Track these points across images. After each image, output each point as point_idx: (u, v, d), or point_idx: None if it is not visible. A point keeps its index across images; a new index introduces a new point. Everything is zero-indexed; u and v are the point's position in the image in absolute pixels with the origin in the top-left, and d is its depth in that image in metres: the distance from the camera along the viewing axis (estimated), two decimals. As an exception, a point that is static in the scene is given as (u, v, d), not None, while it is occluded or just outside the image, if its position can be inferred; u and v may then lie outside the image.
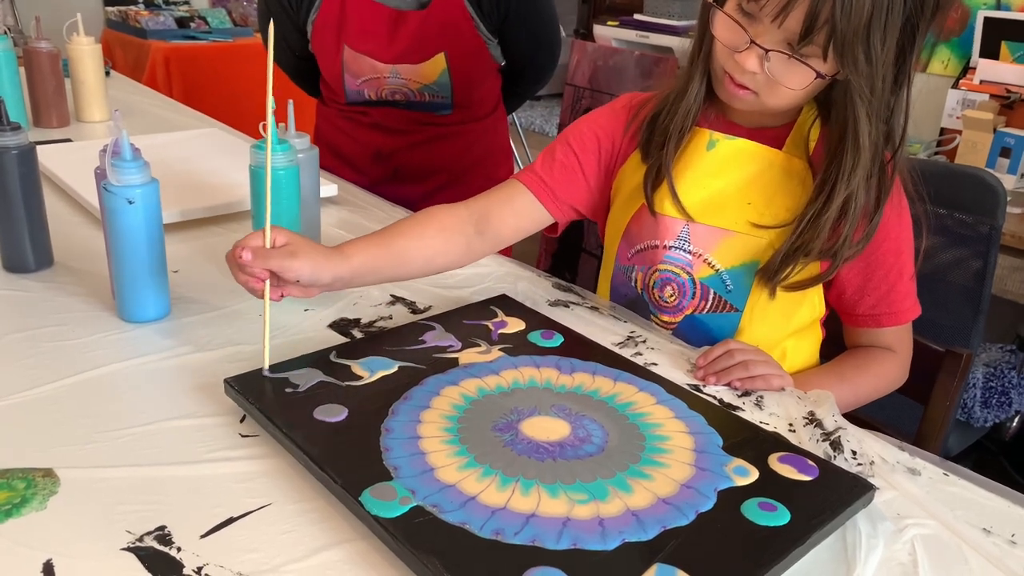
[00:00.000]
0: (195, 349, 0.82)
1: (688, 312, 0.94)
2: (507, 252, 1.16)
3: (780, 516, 0.59)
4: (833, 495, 0.62)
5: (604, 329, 0.92)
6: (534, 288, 1.02)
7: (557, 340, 0.85)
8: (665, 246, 0.93)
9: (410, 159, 1.50)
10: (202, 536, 0.57)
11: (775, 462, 0.66)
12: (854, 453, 0.71)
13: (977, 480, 0.69)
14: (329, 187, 1.26)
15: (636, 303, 0.98)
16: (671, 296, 0.94)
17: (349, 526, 0.59)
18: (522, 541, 0.55)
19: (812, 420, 0.76)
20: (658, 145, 0.92)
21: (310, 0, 1.36)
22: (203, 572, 0.54)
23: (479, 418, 0.70)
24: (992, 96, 2.11)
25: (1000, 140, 1.96)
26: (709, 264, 0.91)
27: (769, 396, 0.81)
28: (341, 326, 0.88)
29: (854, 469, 0.68)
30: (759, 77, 0.81)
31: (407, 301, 0.95)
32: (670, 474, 0.64)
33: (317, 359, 0.77)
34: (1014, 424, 1.80)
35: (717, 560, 0.55)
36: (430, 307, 0.94)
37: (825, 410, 0.77)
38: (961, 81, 2.23)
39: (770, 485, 0.63)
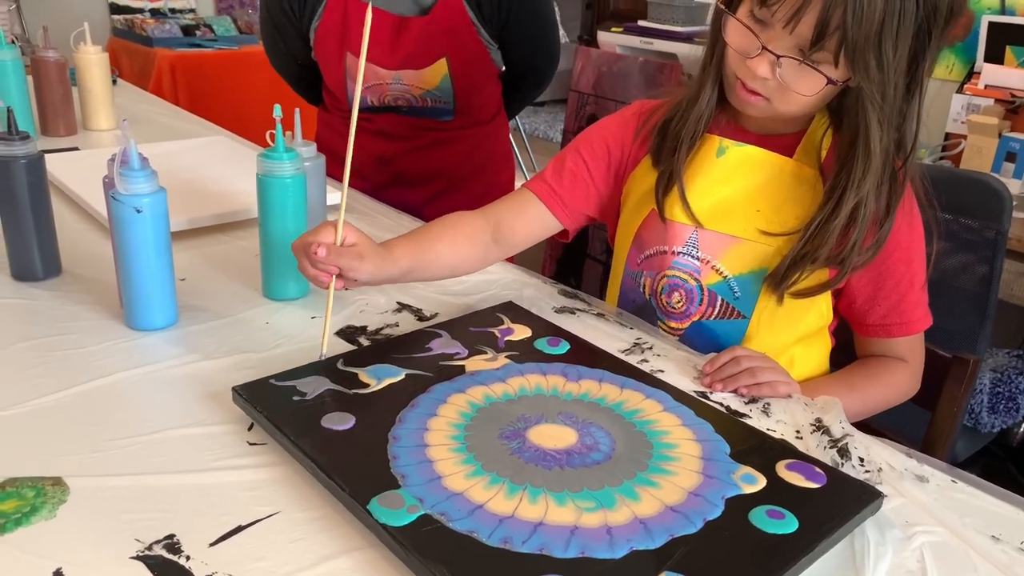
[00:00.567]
0: (202, 357, 0.82)
1: (695, 318, 0.94)
2: (511, 259, 1.16)
3: (788, 524, 0.59)
4: (841, 502, 0.62)
5: (610, 336, 0.92)
6: (540, 295, 1.02)
7: (563, 347, 0.85)
8: (674, 252, 0.93)
9: (412, 164, 1.50)
10: (211, 544, 0.57)
11: (783, 469, 0.66)
12: (862, 460, 0.71)
13: (985, 487, 0.69)
14: (336, 195, 1.26)
15: (644, 309, 0.98)
16: (679, 302, 0.94)
17: (357, 534, 0.59)
18: (530, 549, 0.55)
19: (819, 427, 0.76)
20: (669, 151, 0.93)
21: (313, 8, 1.36)
22: (212, 581, 0.54)
23: (486, 426, 0.70)
24: (997, 101, 2.11)
25: (1005, 145, 1.96)
26: (717, 271, 0.91)
27: (776, 403, 0.81)
28: (348, 333, 0.89)
29: (862, 476, 0.68)
30: (771, 83, 0.82)
31: (413, 308, 0.95)
32: (677, 482, 0.64)
33: (324, 367, 0.77)
34: (1022, 429, 1.79)
35: (725, 568, 0.55)
36: (436, 314, 0.94)
37: (832, 417, 0.77)
38: (966, 86, 2.22)
39: (778, 493, 0.63)
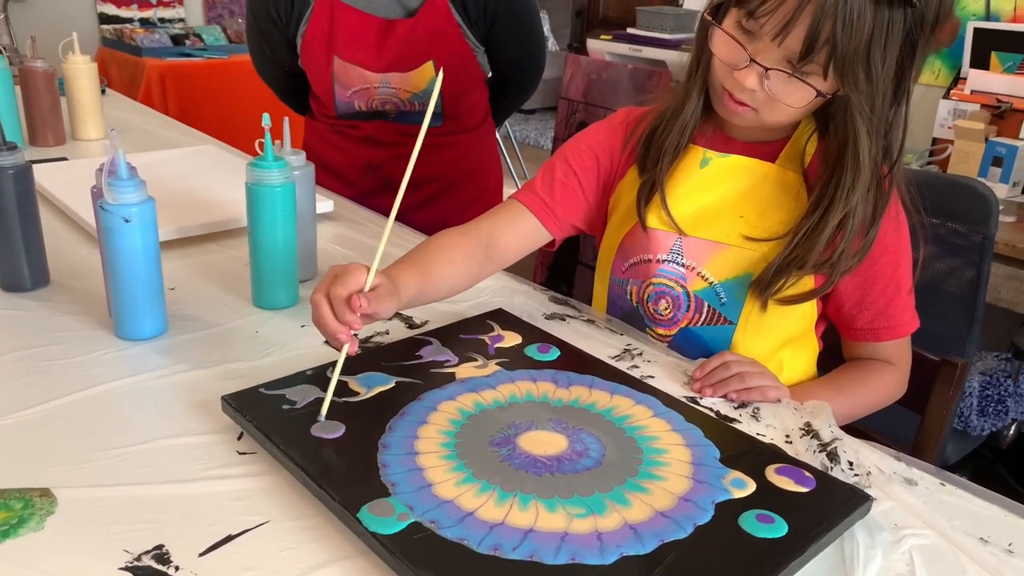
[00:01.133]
0: (192, 367, 0.82)
1: (683, 325, 0.94)
2: (502, 265, 1.16)
3: (778, 528, 0.59)
4: (830, 506, 0.62)
5: (600, 342, 0.92)
6: (530, 302, 1.03)
7: (554, 354, 0.85)
8: (658, 260, 0.93)
9: (400, 169, 1.50)
10: (200, 554, 0.57)
11: (772, 474, 0.66)
12: (851, 464, 0.71)
13: (974, 489, 0.70)
14: (325, 203, 1.27)
15: (632, 316, 0.99)
16: (666, 309, 0.94)
17: (347, 543, 0.59)
18: (520, 556, 0.55)
19: (809, 431, 0.76)
20: (653, 161, 0.93)
21: (300, 14, 1.37)
22: (201, 591, 0.54)
23: (476, 433, 0.70)
24: (983, 106, 2.12)
25: (992, 149, 1.97)
26: (703, 277, 0.91)
27: (765, 408, 0.81)
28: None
29: (851, 480, 0.69)
30: (759, 94, 0.82)
31: (403, 316, 0.95)
32: (668, 487, 0.64)
33: (314, 376, 0.77)
34: (1011, 432, 1.80)
35: (715, 573, 0.55)
36: (427, 322, 0.94)
37: (821, 421, 0.78)
38: (952, 91, 2.24)
39: (767, 497, 0.63)
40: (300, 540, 0.59)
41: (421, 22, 1.35)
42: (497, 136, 1.73)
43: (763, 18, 0.77)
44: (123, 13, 3.42)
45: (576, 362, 0.84)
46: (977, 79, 2.18)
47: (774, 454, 0.70)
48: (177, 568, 0.56)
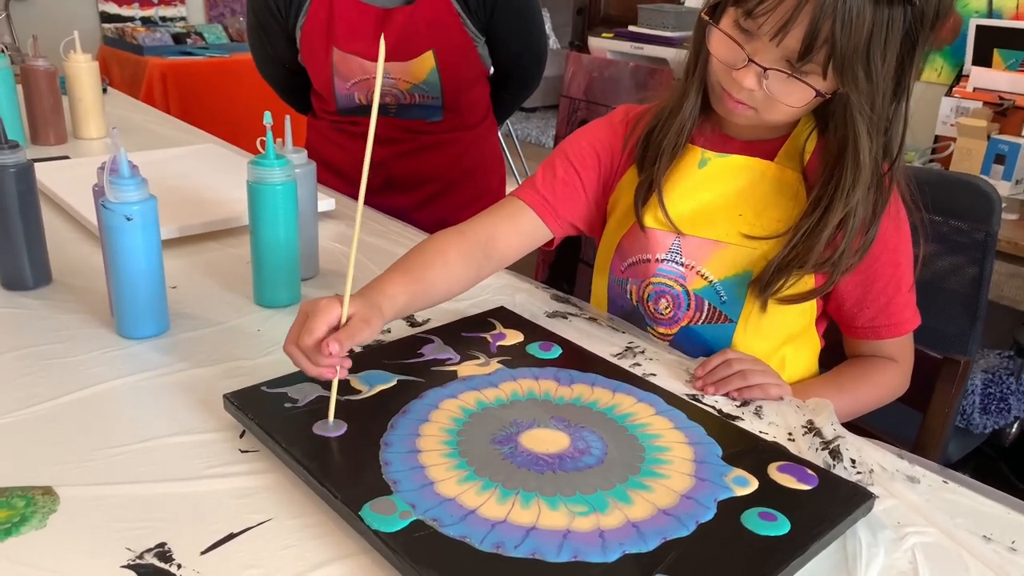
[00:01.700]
0: (194, 365, 0.82)
1: (683, 323, 0.94)
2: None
3: (780, 526, 0.59)
4: (833, 504, 0.62)
5: (602, 340, 0.92)
6: (532, 300, 1.03)
7: (555, 352, 0.85)
8: (657, 259, 0.93)
9: (402, 168, 1.50)
10: (202, 552, 0.57)
11: (775, 472, 0.66)
12: (853, 462, 0.71)
13: (977, 487, 0.69)
14: (327, 201, 1.26)
15: (632, 315, 0.98)
16: (666, 308, 0.94)
17: (349, 541, 0.59)
18: (522, 554, 0.55)
19: (811, 429, 0.76)
20: (651, 161, 0.92)
21: (299, 6, 1.37)
22: (203, 589, 0.54)
23: (478, 431, 0.70)
24: (985, 103, 2.12)
25: (994, 147, 1.97)
26: (702, 276, 0.91)
27: (768, 405, 0.81)
28: (340, 340, 0.88)
29: (853, 478, 0.68)
30: (757, 94, 0.81)
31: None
32: (670, 485, 0.64)
33: (316, 373, 0.77)
34: (1013, 430, 1.80)
35: (718, 571, 0.55)
36: (428, 320, 0.94)
37: (824, 419, 0.77)
38: (954, 89, 2.24)
39: (770, 495, 0.63)
40: (302, 538, 0.59)
41: (420, 11, 1.34)
42: (499, 135, 1.72)
43: (761, 18, 0.76)
44: (124, 12, 3.43)
45: (578, 360, 0.84)
46: (979, 76, 2.18)
47: (776, 452, 0.70)
48: (179, 566, 0.56)
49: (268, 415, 0.70)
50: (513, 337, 0.87)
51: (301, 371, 0.76)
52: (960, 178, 1.19)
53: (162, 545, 0.57)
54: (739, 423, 0.77)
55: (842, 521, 0.61)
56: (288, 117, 1.00)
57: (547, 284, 1.09)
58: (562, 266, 2.42)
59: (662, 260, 0.93)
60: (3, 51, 1.57)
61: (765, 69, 0.79)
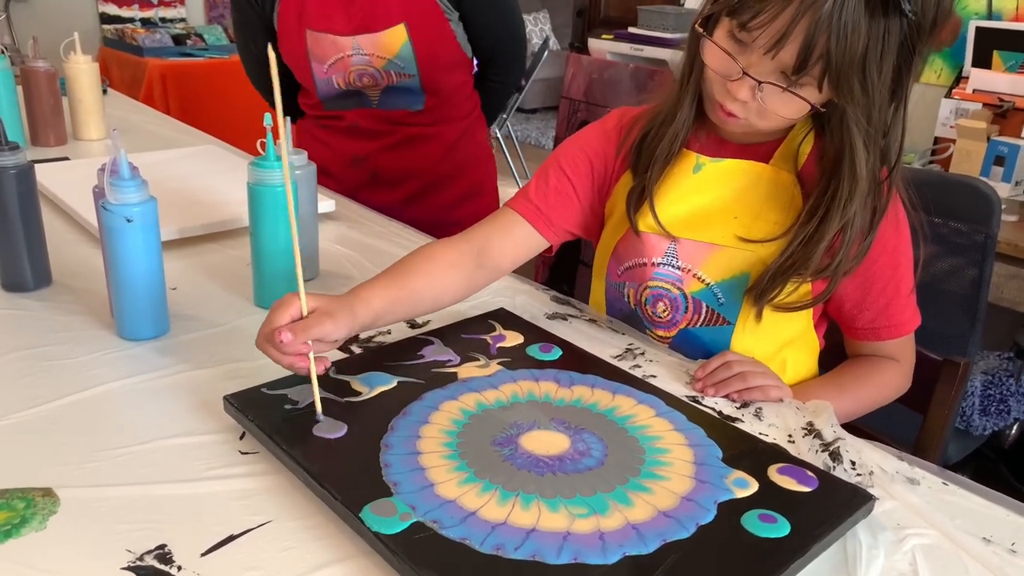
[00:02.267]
0: (194, 366, 0.82)
1: (682, 326, 0.94)
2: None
3: (780, 528, 0.59)
4: (833, 506, 0.62)
5: (602, 342, 0.92)
6: (532, 301, 1.03)
7: (556, 353, 0.85)
8: (653, 263, 0.93)
9: (387, 162, 1.50)
10: (202, 554, 0.57)
11: (775, 473, 0.66)
12: (853, 463, 0.71)
13: (976, 489, 0.69)
14: (327, 203, 1.27)
15: (631, 318, 0.98)
16: (664, 311, 0.94)
17: (350, 543, 0.59)
18: (523, 556, 0.55)
19: (811, 431, 0.76)
20: (644, 167, 0.92)
21: None
22: (204, 591, 0.54)
23: (478, 433, 0.70)
24: (985, 105, 2.12)
25: (994, 149, 1.97)
26: (699, 279, 0.91)
27: (768, 407, 0.81)
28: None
29: (853, 479, 0.68)
30: (751, 105, 0.80)
31: (405, 316, 0.95)
32: (670, 487, 0.64)
33: (316, 375, 0.77)
34: (1013, 431, 1.80)
35: (718, 573, 0.55)
36: (428, 322, 0.94)
37: (824, 420, 0.77)
38: (954, 90, 2.24)
39: (770, 497, 0.63)
40: (302, 540, 0.59)
41: None
42: (491, 132, 1.72)
43: (756, 31, 0.75)
44: (124, 13, 3.43)
45: (578, 362, 0.84)
46: (979, 78, 2.18)
47: (776, 454, 0.70)
48: (179, 568, 0.56)
49: (268, 417, 0.70)
50: (513, 339, 0.88)
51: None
52: (960, 180, 1.20)
53: (162, 547, 0.57)
54: (739, 425, 0.77)
55: (842, 523, 0.61)
56: (288, 119, 1.00)
57: (547, 286, 1.09)
58: (562, 268, 2.42)
59: (658, 264, 0.92)
60: (3, 52, 1.57)
61: (760, 83, 0.78)
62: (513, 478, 0.64)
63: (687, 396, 0.81)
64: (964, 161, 2.02)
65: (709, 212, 0.90)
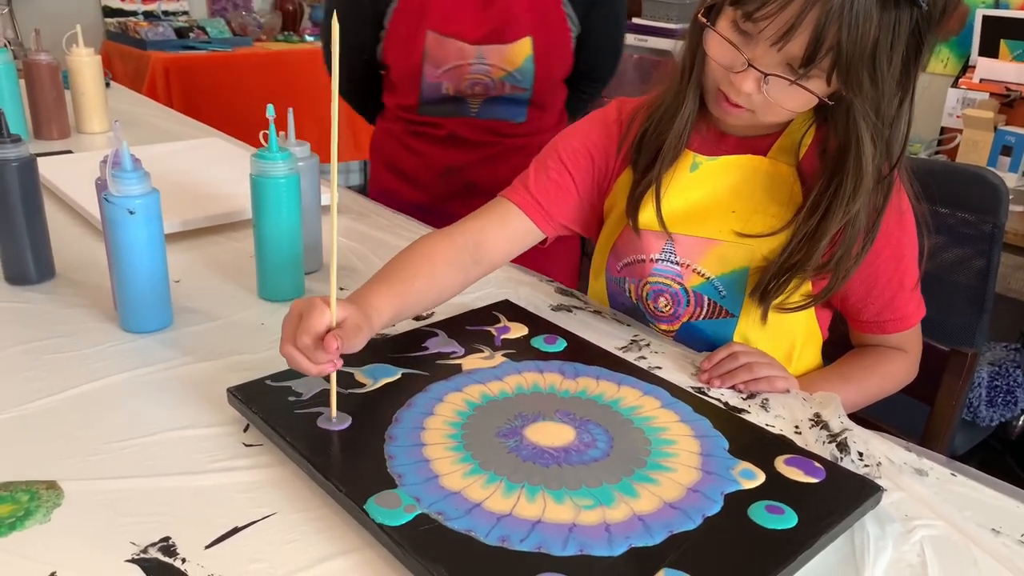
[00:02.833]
0: (197, 359, 0.82)
1: (685, 320, 0.93)
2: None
3: (787, 519, 0.59)
4: (840, 497, 0.62)
5: (607, 333, 0.92)
6: (536, 293, 1.02)
7: (560, 345, 0.84)
8: (652, 259, 0.92)
9: (483, 173, 1.45)
10: (207, 546, 0.57)
11: (781, 465, 0.66)
12: (861, 454, 0.71)
13: (985, 480, 0.69)
14: (329, 195, 1.26)
15: (633, 312, 0.98)
16: (666, 306, 0.93)
17: (354, 535, 0.59)
18: (528, 548, 0.55)
19: (818, 422, 0.76)
20: (646, 164, 0.90)
21: None
22: (208, 583, 0.54)
23: (483, 424, 0.70)
24: (992, 95, 2.11)
25: (1001, 138, 1.96)
26: (699, 273, 0.90)
27: (774, 398, 0.80)
28: (344, 334, 0.88)
29: (861, 470, 0.68)
30: (756, 98, 0.78)
31: (409, 308, 0.95)
32: (676, 478, 0.64)
33: (320, 367, 0.76)
34: (1020, 422, 1.79)
35: (725, 564, 0.55)
36: (432, 314, 0.94)
37: (831, 411, 0.77)
38: (961, 80, 2.23)
39: (777, 488, 0.63)
40: (307, 532, 0.59)
41: None
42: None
43: (763, 22, 0.73)
44: (127, 6, 3.42)
45: (583, 353, 0.83)
46: (986, 67, 2.17)
47: (783, 445, 0.70)
48: (184, 560, 0.55)
49: (272, 409, 0.70)
50: (518, 330, 0.87)
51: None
52: (967, 170, 1.19)
53: (166, 539, 0.57)
54: (745, 416, 0.77)
55: (850, 514, 0.60)
56: (291, 110, 1.00)
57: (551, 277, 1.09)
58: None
59: (656, 260, 0.91)
60: (6, 45, 1.56)
61: (765, 75, 0.76)
62: (518, 470, 0.64)
63: (693, 387, 0.81)
64: (971, 151, 2.01)
65: (705, 207, 0.89)
